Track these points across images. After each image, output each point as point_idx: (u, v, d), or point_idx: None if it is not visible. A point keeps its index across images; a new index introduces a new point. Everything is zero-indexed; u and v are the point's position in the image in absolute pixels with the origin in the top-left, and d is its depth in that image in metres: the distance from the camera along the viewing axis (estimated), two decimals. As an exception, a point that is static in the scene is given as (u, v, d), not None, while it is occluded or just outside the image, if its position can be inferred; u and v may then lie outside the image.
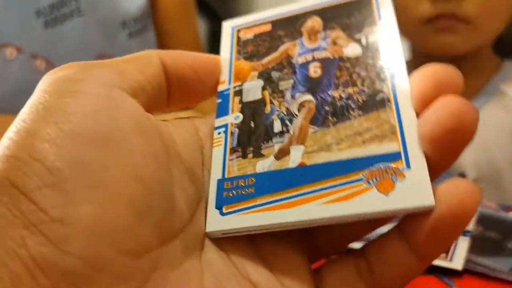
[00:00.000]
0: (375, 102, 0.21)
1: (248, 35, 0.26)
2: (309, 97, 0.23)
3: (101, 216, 0.17)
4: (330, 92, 0.22)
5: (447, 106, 0.18)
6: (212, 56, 0.25)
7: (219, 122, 0.23)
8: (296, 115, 0.22)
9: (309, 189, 0.20)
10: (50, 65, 0.63)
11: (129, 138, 0.19)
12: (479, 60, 0.66)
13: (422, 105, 0.20)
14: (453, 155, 0.19)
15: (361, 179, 0.19)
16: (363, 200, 0.19)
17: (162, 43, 0.72)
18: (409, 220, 0.19)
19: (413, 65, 0.27)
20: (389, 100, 0.21)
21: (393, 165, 0.19)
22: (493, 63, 0.68)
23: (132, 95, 0.20)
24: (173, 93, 0.23)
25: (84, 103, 0.19)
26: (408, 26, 0.64)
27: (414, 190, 0.18)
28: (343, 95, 0.22)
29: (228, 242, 0.21)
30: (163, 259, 0.19)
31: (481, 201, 0.18)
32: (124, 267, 0.17)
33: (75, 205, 0.17)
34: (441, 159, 0.19)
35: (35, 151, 0.17)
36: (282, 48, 0.25)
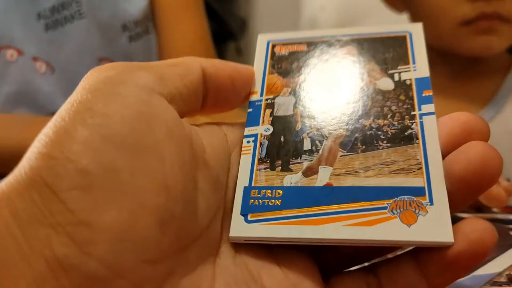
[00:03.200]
0: (403, 137, 0.22)
1: (283, 51, 0.27)
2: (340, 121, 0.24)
3: (126, 223, 0.18)
4: (360, 120, 0.23)
5: (477, 149, 0.20)
6: (248, 67, 0.26)
7: (249, 131, 0.24)
8: (326, 137, 0.23)
9: (334, 210, 0.21)
10: (50, 68, 0.64)
11: (162, 146, 0.19)
12: (494, 59, 0.65)
13: (449, 147, 0.21)
14: (475, 195, 0.20)
15: (385, 208, 0.20)
16: (386, 228, 0.20)
17: (162, 46, 0.72)
18: (426, 251, 0.20)
19: None
20: (417, 137, 0.22)
21: (417, 199, 0.20)
22: (505, 61, 0.68)
23: (170, 101, 0.21)
24: (208, 101, 0.24)
25: (123, 108, 0.19)
26: (444, 29, 0.61)
27: (435, 225, 0.20)
28: (373, 125, 0.23)
29: (244, 246, 0.21)
30: (177, 265, 0.19)
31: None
32: (141, 275, 0.18)
33: (103, 210, 0.17)
34: (463, 197, 0.20)
35: (70, 151, 0.18)
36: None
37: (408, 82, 0.24)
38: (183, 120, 0.21)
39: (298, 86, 0.25)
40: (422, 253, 0.20)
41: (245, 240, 0.21)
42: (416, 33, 0.26)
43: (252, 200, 0.22)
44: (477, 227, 0.19)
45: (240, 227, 0.21)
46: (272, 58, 0.27)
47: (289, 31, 0.28)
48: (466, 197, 0.20)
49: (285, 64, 0.27)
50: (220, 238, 0.22)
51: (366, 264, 0.22)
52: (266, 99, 0.25)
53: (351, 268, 0.22)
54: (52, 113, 0.20)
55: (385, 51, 0.26)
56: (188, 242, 0.20)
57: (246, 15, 1.10)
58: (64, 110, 0.19)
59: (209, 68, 0.23)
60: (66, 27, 0.64)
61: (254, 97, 0.25)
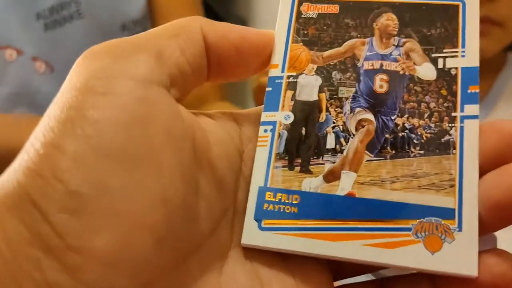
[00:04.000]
0: (439, 145, 0.20)
1: (311, 12, 0.23)
2: (370, 116, 0.21)
3: (120, 247, 0.16)
4: (393, 117, 0.21)
5: None
6: (263, 33, 0.22)
7: (266, 116, 0.22)
8: (353, 135, 0.21)
9: (355, 225, 0.20)
10: (50, 68, 0.62)
11: (160, 153, 0.18)
12: (487, 60, 0.64)
13: (488, 162, 0.19)
14: (508, 223, 0.19)
15: (409, 229, 0.19)
16: (407, 253, 0.19)
17: None
18: (446, 279, 0.19)
19: None
20: (454, 147, 0.20)
21: (444, 222, 0.19)
22: (500, 58, 0.67)
23: (171, 84, 0.19)
24: (212, 72, 0.21)
25: (117, 112, 0.17)
26: None
27: (460, 255, 0.18)
28: (407, 125, 0.21)
29: (256, 251, 0.21)
30: (177, 280, 0.18)
31: None
32: None
33: (94, 234, 0.16)
34: (494, 224, 0.19)
35: (60, 170, 0.16)
36: (348, 43, 0.22)
37: (453, 72, 0.21)
38: (185, 113, 0.19)
39: (325, 63, 0.22)
40: (441, 280, 0.19)
41: (257, 247, 0.20)
42: (471, 2, 0.22)
43: (267, 205, 0.20)
44: (502, 260, 0.18)
45: (253, 234, 0.20)
46: (297, 20, 0.23)
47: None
48: (497, 225, 0.19)
49: (312, 31, 0.23)
50: (229, 242, 0.20)
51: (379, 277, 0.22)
52: (288, 77, 0.22)
53: (364, 280, 0.22)
54: None
55: (431, 25, 0.22)
56: (188, 252, 0.19)
57: (246, 15, 1.01)
58: (53, 116, 0.17)
59: (211, 35, 0.20)
60: (65, 27, 0.63)
61: (274, 72, 0.22)
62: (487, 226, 0.19)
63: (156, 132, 0.18)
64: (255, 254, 0.21)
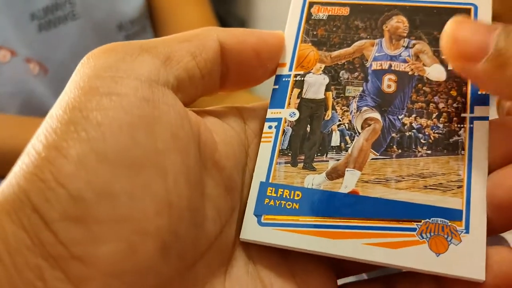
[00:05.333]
0: (447, 145, 0.20)
1: (321, 13, 0.23)
2: (376, 115, 0.21)
3: (124, 255, 0.16)
4: (400, 117, 0.20)
5: None
6: (277, 34, 0.22)
7: (272, 113, 0.22)
8: (359, 133, 0.21)
9: (357, 224, 0.19)
10: (44, 69, 0.62)
11: (164, 156, 0.17)
12: None
13: (497, 160, 0.18)
14: None
15: (414, 229, 0.18)
16: (411, 254, 0.18)
17: None
18: (452, 279, 0.18)
19: None
20: (463, 147, 0.19)
21: (451, 223, 0.18)
22: None
23: (177, 88, 0.19)
24: (229, 78, 0.21)
25: (121, 113, 0.17)
26: None
27: (467, 258, 0.18)
28: (414, 125, 0.20)
29: (259, 252, 0.20)
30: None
31: None
32: None
33: (98, 242, 0.16)
34: (502, 225, 0.18)
35: (62, 174, 0.16)
36: (357, 44, 0.22)
37: None
38: (191, 114, 0.19)
39: (333, 63, 0.22)
40: (445, 278, 0.18)
41: (256, 243, 0.20)
42: (483, 6, 0.22)
43: (268, 200, 0.20)
44: (504, 258, 0.17)
45: (252, 230, 0.20)
46: (307, 21, 0.23)
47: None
48: (504, 225, 0.18)
49: (321, 32, 0.23)
50: (233, 243, 0.20)
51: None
52: (295, 75, 0.22)
53: (368, 276, 0.21)
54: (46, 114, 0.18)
55: (442, 28, 0.21)
56: (195, 259, 0.18)
57: (246, 15, 1.03)
58: (56, 117, 0.17)
59: (229, 41, 0.20)
60: (60, 28, 0.62)
61: (282, 71, 0.22)
62: (495, 227, 0.18)
63: (161, 135, 0.17)
64: (257, 254, 0.20)
